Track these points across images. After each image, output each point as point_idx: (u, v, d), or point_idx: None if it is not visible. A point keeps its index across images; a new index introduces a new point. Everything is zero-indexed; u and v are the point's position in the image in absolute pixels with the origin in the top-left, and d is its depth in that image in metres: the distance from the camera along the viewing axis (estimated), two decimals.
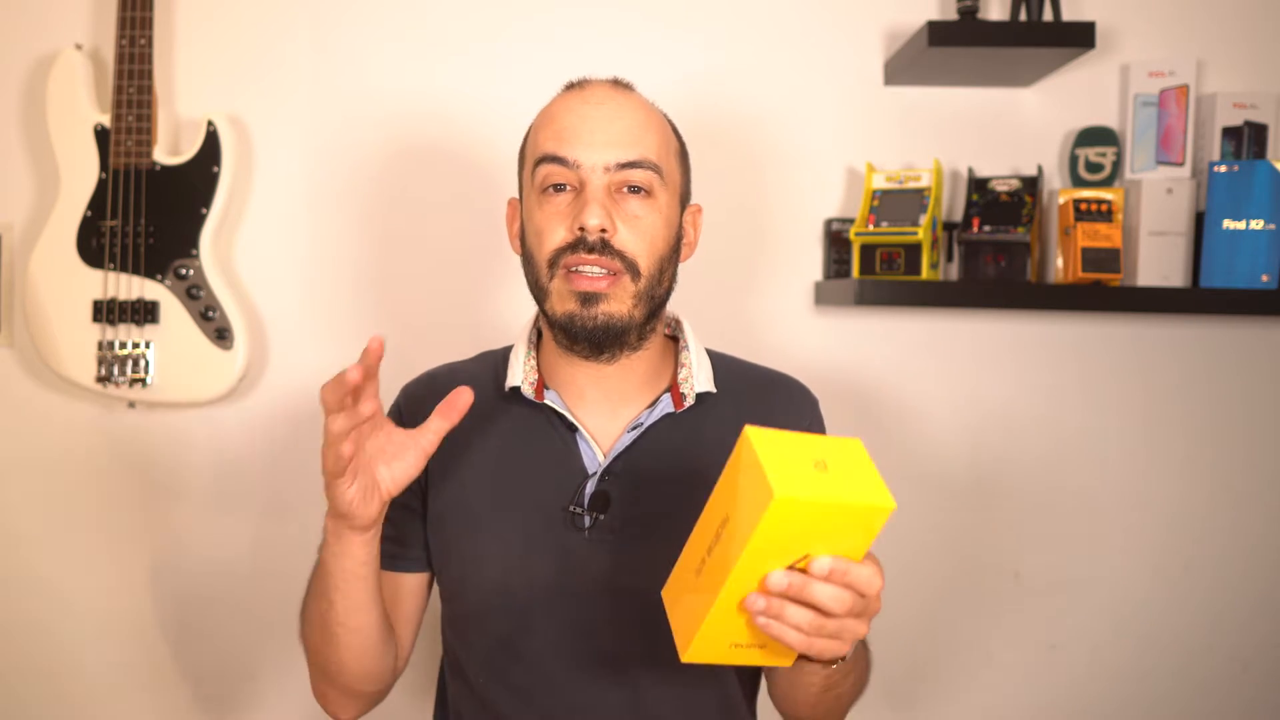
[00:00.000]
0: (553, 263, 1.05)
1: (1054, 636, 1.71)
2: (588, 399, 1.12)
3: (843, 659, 0.90)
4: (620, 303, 1.05)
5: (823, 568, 0.80)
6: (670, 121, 1.14)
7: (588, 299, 1.04)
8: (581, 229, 1.03)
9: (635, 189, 1.06)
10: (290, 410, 1.69)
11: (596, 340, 1.06)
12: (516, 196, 1.16)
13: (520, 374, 1.12)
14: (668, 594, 0.90)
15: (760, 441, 0.80)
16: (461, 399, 0.95)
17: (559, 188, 1.06)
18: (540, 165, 1.06)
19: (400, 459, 0.96)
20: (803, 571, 0.81)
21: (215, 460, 1.70)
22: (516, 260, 1.62)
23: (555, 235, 1.05)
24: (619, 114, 1.07)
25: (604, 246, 1.03)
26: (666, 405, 1.11)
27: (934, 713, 1.73)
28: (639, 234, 1.05)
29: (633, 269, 1.05)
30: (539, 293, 1.08)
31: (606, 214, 1.03)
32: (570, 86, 1.12)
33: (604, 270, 1.04)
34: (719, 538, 0.82)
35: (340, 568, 1.01)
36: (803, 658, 0.87)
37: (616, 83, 1.11)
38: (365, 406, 0.91)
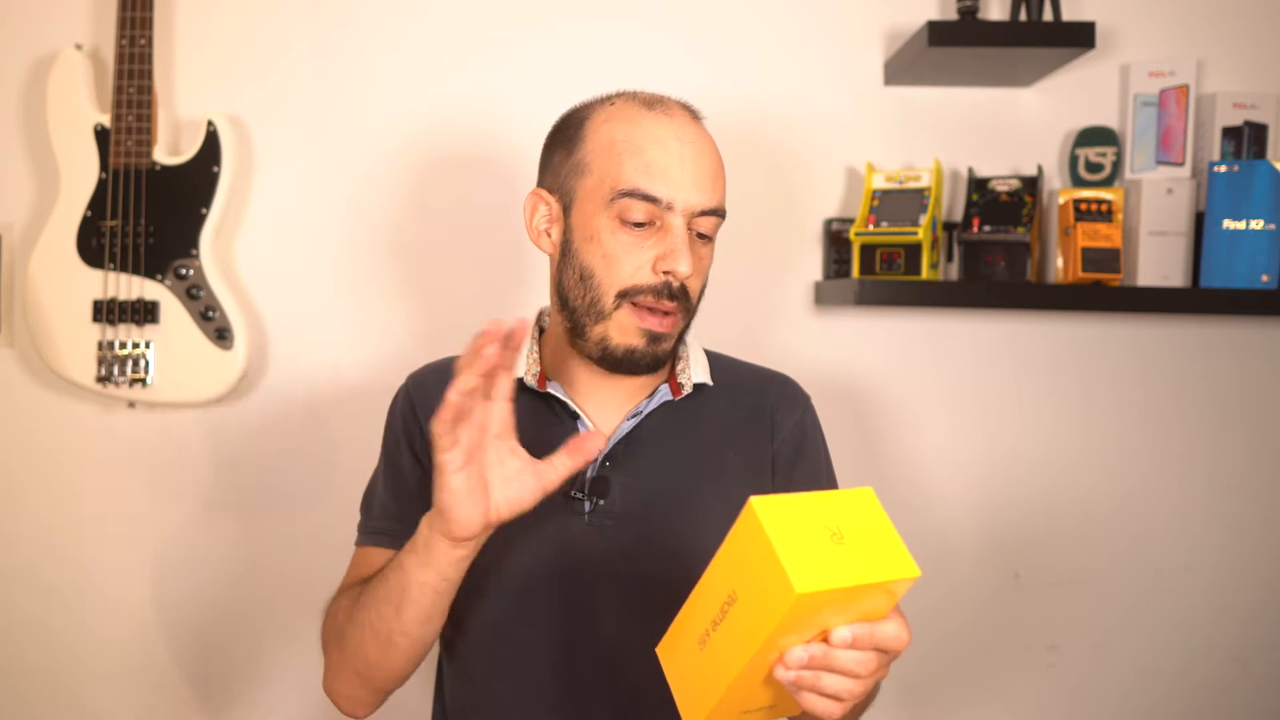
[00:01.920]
0: (622, 295, 1.05)
1: (1054, 636, 1.72)
2: (593, 395, 1.13)
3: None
4: (673, 338, 1.09)
5: (844, 638, 0.78)
6: None
7: (655, 339, 1.06)
8: (667, 273, 1.04)
9: (703, 236, 1.08)
10: (290, 410, 1.69)
11: (644, 371, 1.08)
12: (540, 189, 1.12)
13: (523, 366, 1.13)
14: (664, 652, 0.87)
15: (769, 517, 0.75)
16: (594, 442, 0.92)
17: (638, 223, 1.05)
18: (625, 198, 1.04)
19: (518, 483, 0.93)
20: (824, 640, 0.79)
21: (215, 460, 1.70)
22: (522, 259, 1.65)
23: (632, 270, 1.05)
24: (703, 153, 1.07)
25: (681, 290, 1.06)
26: (665, 394, 1.13)
27: (935, 713, 1.73)
28: (699, 275, 1.09)
29: (688, 309, 1.09)
30: (594, 316, 1.06)
31: (693, 261, 1.05)
32: (649, 106, 1.07)
33: (673, 314, 1.06)
34: (725, 615, 0.78)
35: (420, 579, 0.98)
36: None
37: (694, 113, 1.10)
38: (501, 386, 0.90)
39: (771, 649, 0.77)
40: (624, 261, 1.05)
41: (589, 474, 1.10)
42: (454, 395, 0.87)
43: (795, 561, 0.72)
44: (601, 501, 1.09)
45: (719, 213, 1.08)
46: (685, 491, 1.11)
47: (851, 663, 0.79)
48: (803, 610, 0.73)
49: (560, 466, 0.94)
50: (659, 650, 0.88)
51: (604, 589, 1.08)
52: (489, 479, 0.93)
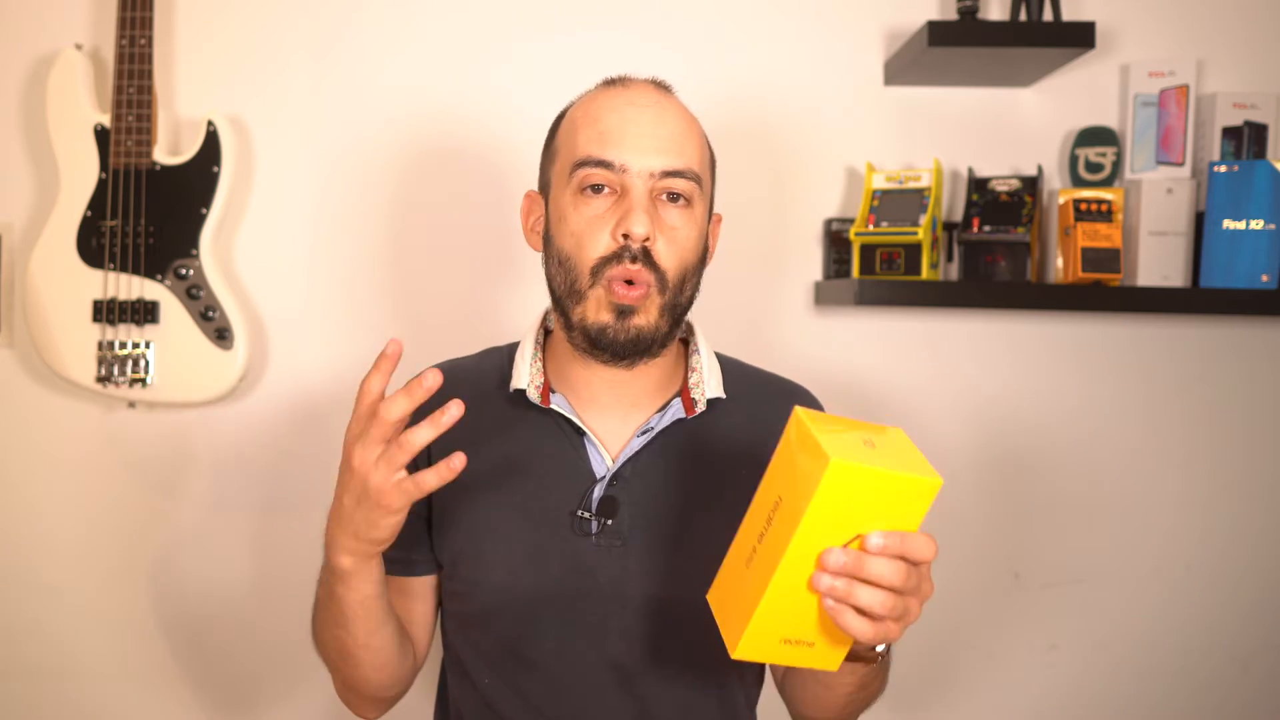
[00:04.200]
0: (595, 271, 1.03)
1: (1054, 636, 1.72)
2: (599, 402, 1.10)
3: (886, 650, 0.91)
4: (648, 315, 1.04)
5: (877, 542, 0.81)
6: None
7: (623, 311, 1.03)
8: (625, 236, 1.01)
9: (675, 197, 1.04)
10: (290, 410, 1.69)
11: (624, 351, 1.04)
12: (534, 190, 1.13)
13: (526, 376, 1.10)
14: (714, 596, 0.89)
15: (811, 419, 0.83)
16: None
17: (597, 189, 1.03)
18: (580, 168, 1.03)
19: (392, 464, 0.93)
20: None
21: (215, 460, 1.70)
22: (519, 259, 1.66)
23: (598, 242, 1.02)
24: (664, 118, 1.04)
25: (645, 255, 1.02)
26: (677, 410, 1.10)
27: (934, 713, 1.73)
28: (674, 245, 1.04)
29: (662, 282, 1.04)
30: (573, 297, 1.05)
31: (651, 222, 1.01)
32: (610, 83, 1.08)
33: (639, 283, 1.02)
34: (771, 522, 0.82)
35: (357, 597, 1.00)
36: (850, 655, 0.88)
37: (658, 84, 1.08)
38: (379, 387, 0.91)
39: (809, 546, 0.80)
40: (590, 236, 1.03)
41: (596, 494, 1.07)
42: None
43: (833, 444, 0.79)
44: (609, 522, 1.06)
45: (687, 174, 1.03)
46: (695, 511, 1.08)
47: (885, 570, 0.80)
48: (838, 490, 0.78)
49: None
50: (709, 597, 0.90)
51: (611, 609, 1.06)
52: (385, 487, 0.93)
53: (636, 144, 1.02)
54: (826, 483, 0.77)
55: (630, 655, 1.06)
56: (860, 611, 0.81)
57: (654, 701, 1.08)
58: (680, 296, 1.06)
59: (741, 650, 0.84)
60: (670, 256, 1.04)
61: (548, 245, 1.09)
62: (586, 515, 1.06)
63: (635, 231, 1.00)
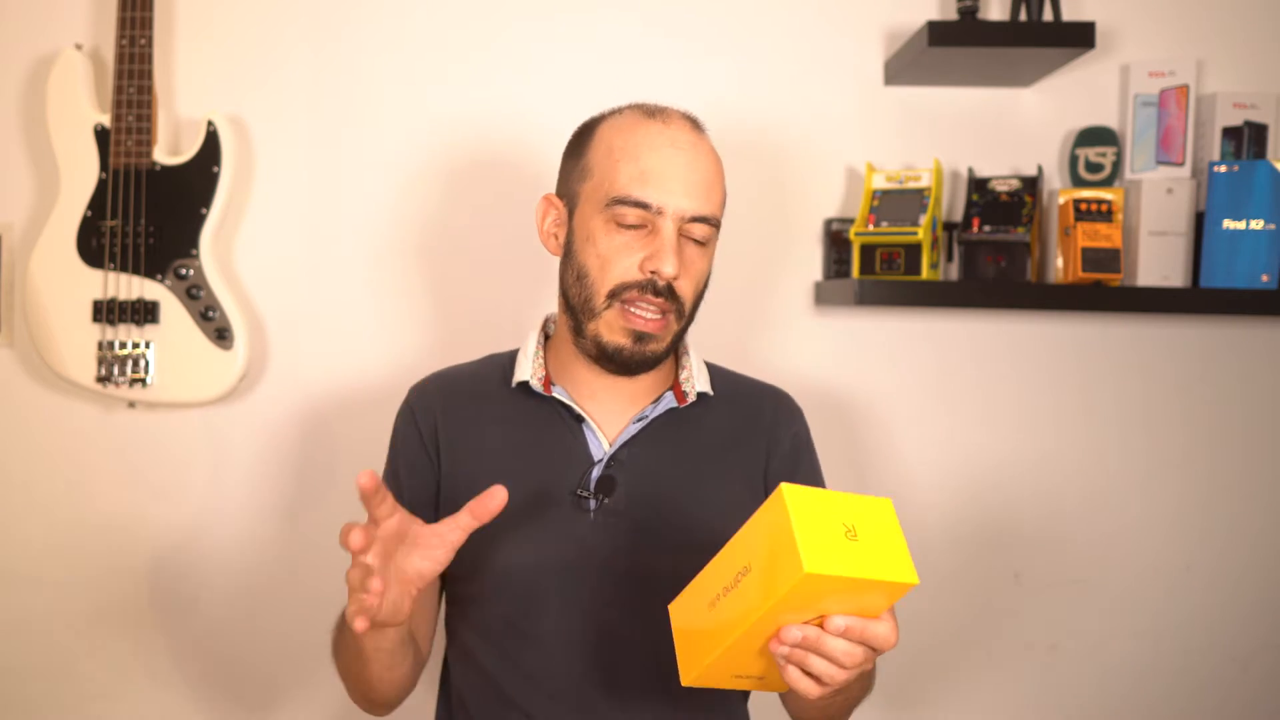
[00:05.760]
0: (613, 294, 1.11)
1: (1054, 636, 1.72)
2: (598, 398, 1.18)
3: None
4: (664, 340, 1.14)
5: (838, 626, 0.85)
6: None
7: (641, 338, 1.12)
8: (653, 273, 1.10)
9: (697, 241, 1.13)
10: (290, 410, 1.69)
11: (635, 369, 1.14)
12: (552, 194, 1.19)
13: (529, 369, 1.18)
14: (675, 610, 0.94)
15: (795, 503, 0.82)
16: (495, 500, 0.96)
17: (630, 225, 1.11)
18: (619, 205, 1.10)
19: (429, 554, 0.97)
20: (819, 625, 0.85)
21: (215, 460, 1.70)
22: (519, 261, 1.66)
23: (622, 268, 1.11)
24: (698, 162, 1.12)
25: (668, 290, 1.11)
26: (670, 401, 1.19)
27: (934, 713, 1.73)
28: (691, 279, 1.14)
29: (680, 311, 1.13)
30: (587, 313, 1.13)
31: (678, 262, 1.10)
32: (650, 115, 1.14)
33: (660, 312, 1.12)
34: (737, 583, 0.85)
35: (375, 647, 1.05)
36: None
37: (694, 122, 1.15)
38: (381, 513, 0.94)
39: (771, 622, 0.83)
40: (615, 262, 1.11)
41: (595, 474, 1.14)
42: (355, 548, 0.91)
43: (809, 545, 0.79)
44: (607, 500, 1.13)
45: (710, 221, 1.12)
46: (687, 491, 1.15)
47: (839, 651, 0.85)
48: (806, 590, 0.80)
49: (464, 525, 0.97)
50: (670, 608, 0.94)
51: (609, 583, 1.12)
52: (406, 570, 0.97)
53: (673, 187, 1.10)
54: (796, 587, 0.79)
55: (629, 631, 1.11)
56: (808, 673, 0.86)
57: (648, 672, 1.12)
58: (691, 320, 1.17)
59: (692, 682, 0.90)
60: (688, 288, 1.14)
61: (568, 255, 1.16)
62: (585, 494, 1.13)
63: (665, 272, 1.09)
